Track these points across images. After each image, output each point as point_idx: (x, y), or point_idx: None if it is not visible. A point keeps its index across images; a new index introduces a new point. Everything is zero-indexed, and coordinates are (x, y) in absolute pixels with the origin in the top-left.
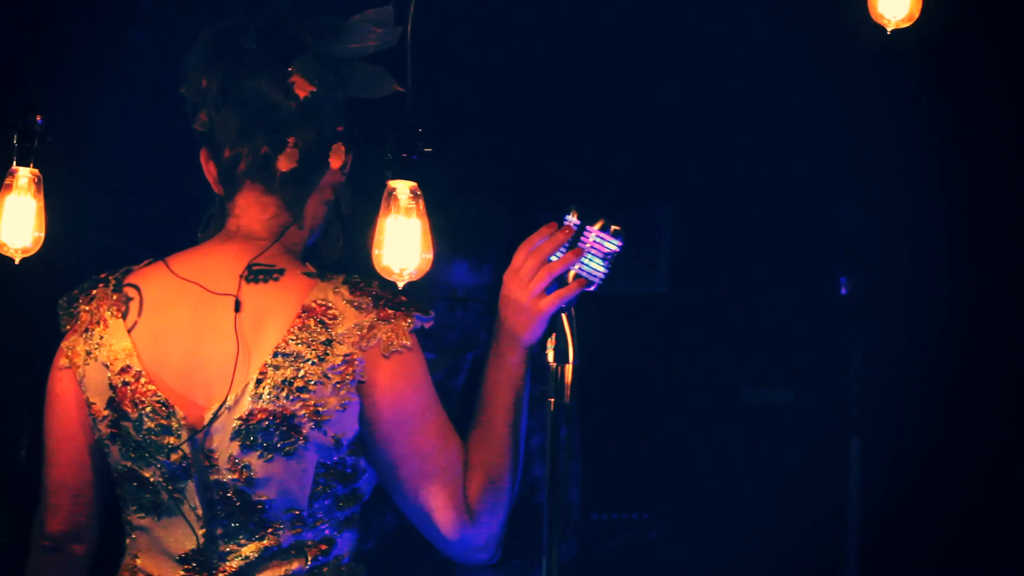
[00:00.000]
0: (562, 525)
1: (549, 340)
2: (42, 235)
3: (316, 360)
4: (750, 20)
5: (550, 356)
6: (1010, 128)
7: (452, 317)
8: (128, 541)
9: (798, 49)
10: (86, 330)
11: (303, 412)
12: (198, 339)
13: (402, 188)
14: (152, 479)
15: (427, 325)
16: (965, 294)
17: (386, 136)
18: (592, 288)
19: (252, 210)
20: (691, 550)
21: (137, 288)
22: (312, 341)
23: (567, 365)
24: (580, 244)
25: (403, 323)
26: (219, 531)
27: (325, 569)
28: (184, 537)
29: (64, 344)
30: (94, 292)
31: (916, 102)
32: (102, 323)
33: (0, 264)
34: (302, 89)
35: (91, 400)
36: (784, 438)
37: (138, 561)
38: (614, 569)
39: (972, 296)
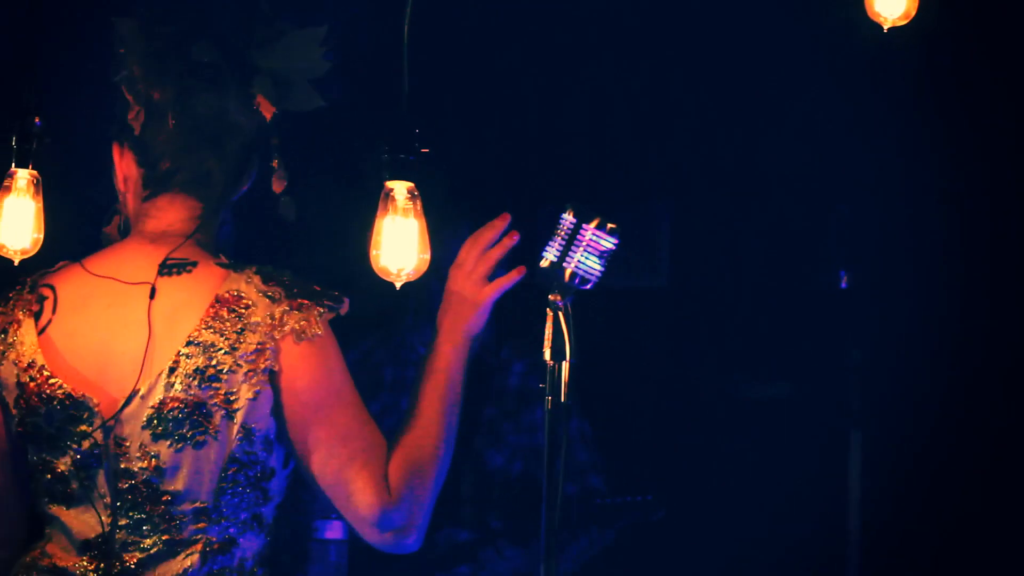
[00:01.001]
0: (575, 514)
1: (546, 338)
2: (41, 236)
3: (228, 349)
4: (748, 18)
5: (547, 354)
6: (1007, 123)
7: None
8: (40, 531)
9: (796, 46)
10: (2, 331)
11: (214, 401)
12: (112, 332)
13: (399, 189)
14: (63, 469)
15: (342, 311)
16: (964, 287)
17: (383, 137)
18: (589, 286)
19: (173, 212)
20: (692, 544)
21: (52, 287)
22: (224, 330)
23: (564, 363)
24: (576, 242)
25: (315, 312)
26: (123, 521)
27: (228, 571)
28: (90, 525)
29: None
30: (11, 295)
31: (914, 98)
32: (15, 323)
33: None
34: (267, 111)
35: (6, 399)
36: (783, 431)
37: (47, 548)
38: (617, 553)
39: (971, 289)
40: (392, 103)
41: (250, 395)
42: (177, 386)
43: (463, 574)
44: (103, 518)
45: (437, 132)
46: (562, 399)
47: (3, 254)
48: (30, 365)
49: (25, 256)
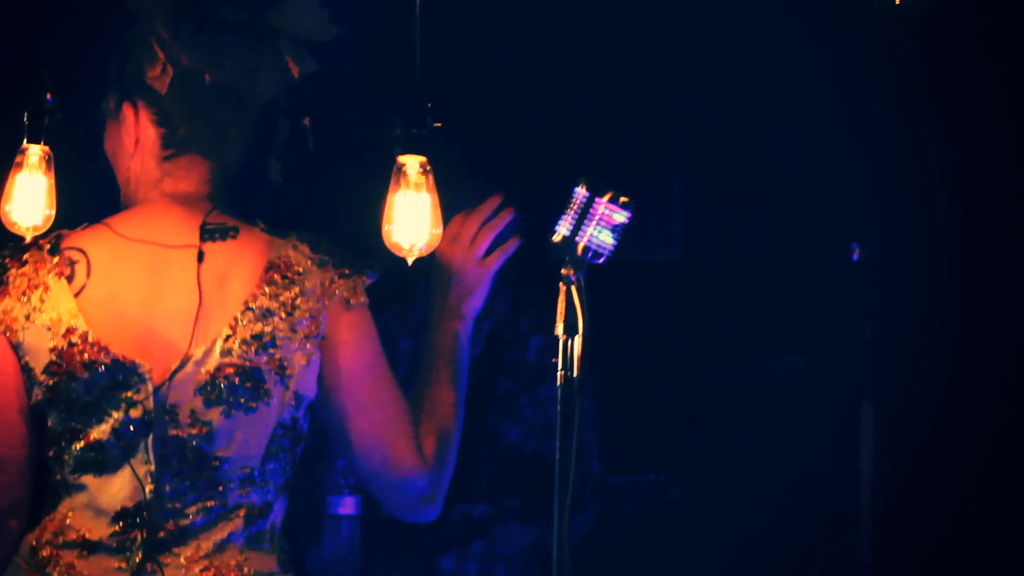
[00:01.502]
0: (580, 495)
1: (559, 312)
2: (53, 213)
3: (284, 315)
4: None
5: (559, 329)
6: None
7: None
8: (58, 502)
9: (810, 21)
10: (23, 294)
11: (269, 367)
12: (155, 296)
13: (412, 163)
14: (101, 436)
15: (374, 281)
16: (978, 260)
17: (395, 111)
18: (602, 260)
19: (195, 173)
20: (704, 516)
21: (82, 251)
22: (279, 295)
23: (576, 337)
24: (589, 216)
25: (360, 280)
26: (166, 488)
27: (260, 535)
28: (126, 494)
29: (0, 309)
30: (25, 256)
31: (930, 72)
32: (42, 287)
33: (10, 241)
34: (295, 70)
35: (30, 365)
36: (796, 405)
37: (68, 520)
38: (632, 532)
39: (985, 262)
40: (404, 77)
41: (303, 361)
42: (235, 351)
43: (476, 549)
44: (145, 487)
45: (449, 106)
46: (575, 374)
47: (15, 231)
48: (69, 330)
49: (37, 233)
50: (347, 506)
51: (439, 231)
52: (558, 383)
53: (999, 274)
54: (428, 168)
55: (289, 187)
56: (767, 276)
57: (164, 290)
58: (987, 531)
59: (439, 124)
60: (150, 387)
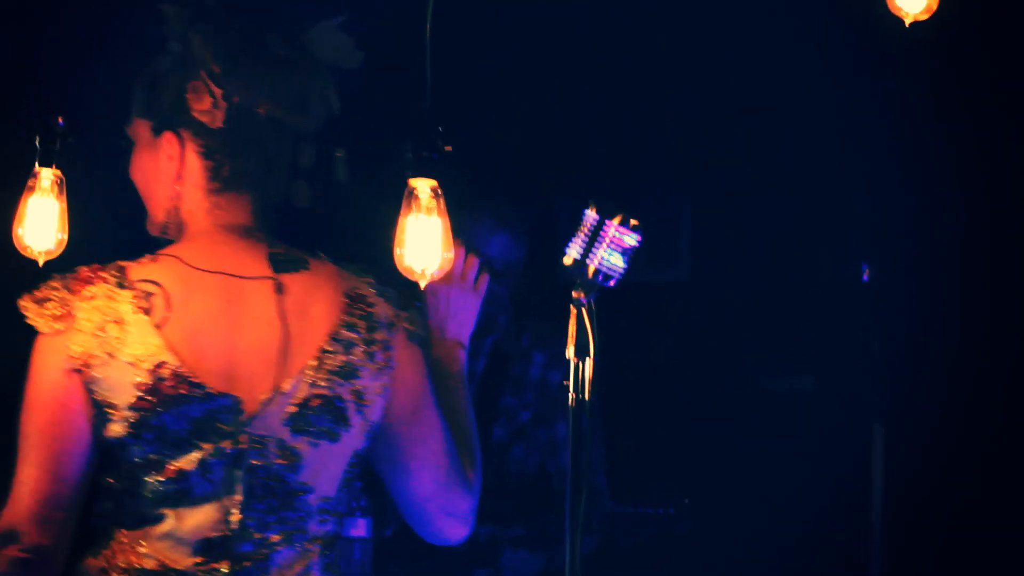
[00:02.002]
0: (591, 512)
1: (570, 335)
2: (65, 237)
3: (363, 346)
4: (769, 11)
5: (571, 351)
6: None
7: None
8: (121, 530)
9: (817, 40)
10: (100, 329)
11: (350, 397)
12: (236, 328)
13: (423, 187)
14: (186, 468)
15: None
16: (986, 278)
17: (406, 135)
18: (612, 283)
19: (241, 205)
20: (714, 536)
21: (156, 283)
22: (358, 327)
23: (587, 359)
24: (599, 239)
25: (417, 313)
26: (251, 520)
27: (333, 565)
28: (210, 524)
29: (61, 344)
30: (91, 289)
31: (935, 89)
32: (119, 321)
33: (23, 265)
34: (336, 104)
35: (109, 401)
36: (806, 425)
37: (142, 548)
38: (640, 549)
39: (993, 280)
40: (414, 100)
41: (379, 391)
42: (321, 382)
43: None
44: (231, 517)
45: (458, 128)
46: (586, 396)
47: (28, 255)
48: (159, 365)
49: (50, 257)
50: (359, 528)
51: (451, 254)
52: (570, 405)
53: (1006, 292)
54: (439, 191)
55: (305, 210)
56: (776, 296)
57: (244, 321)
58: (999, 550)
59: (450, 148)
60: (240, 418)
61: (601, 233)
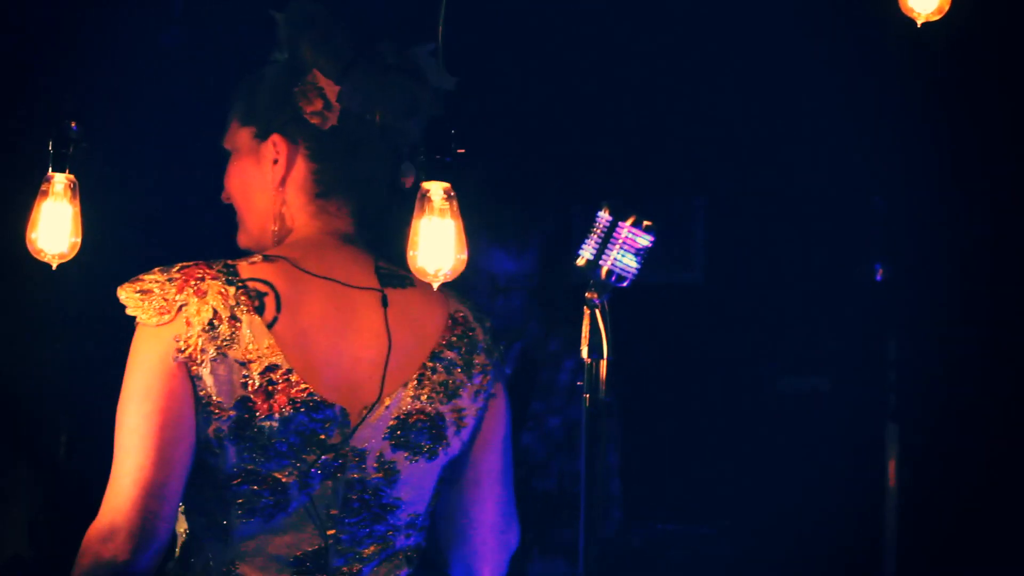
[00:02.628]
0: (605, 521)
1: (584, 336)
2: (78, 241)
3: (464, 366)
4: (782, 12)
5: (584, 352)
6: None
7: (492, 306)
8: (210, 546)
9: (830, 40)
10: (209, 325)
11: (451, 417)
12: (342, 336)
13: (436, 189)
14: (283, 478)
15: None
16: (1000, 279)
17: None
18: (625, 284)
19: (345, 213)
20: (727, 534)
21: (268, 283)
22: (460, 347)
23: (602, 360)
24: (612, 240)
25: (501, 346)
26: (344, 534)
27: None
28: (303, 538)
29: (168, 335)
30: (204, 286)
31: (949, 89)
32: (230, 319)
33: (37, 270)
34: (438, 112)
35: (215, 399)
36: (821, 425)
37: (237, 568)
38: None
39: (1007, 280)
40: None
41: (475, 414)
42: (424, 398)
43: None
44: (326, 532)
45: (472, 131)
46: (600, 396)
47: (41, 259)
48: (270, 368)
49: (63, 261)
50: None
51: (464, 256)
52: (585, 406)
53: (1021, 292)
54: (452, 194)
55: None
56: (790, 296)
57: (351, 331)
58: (1015, 551)
59: (463, 151)
60: (345, 430)
61: (614, 234)
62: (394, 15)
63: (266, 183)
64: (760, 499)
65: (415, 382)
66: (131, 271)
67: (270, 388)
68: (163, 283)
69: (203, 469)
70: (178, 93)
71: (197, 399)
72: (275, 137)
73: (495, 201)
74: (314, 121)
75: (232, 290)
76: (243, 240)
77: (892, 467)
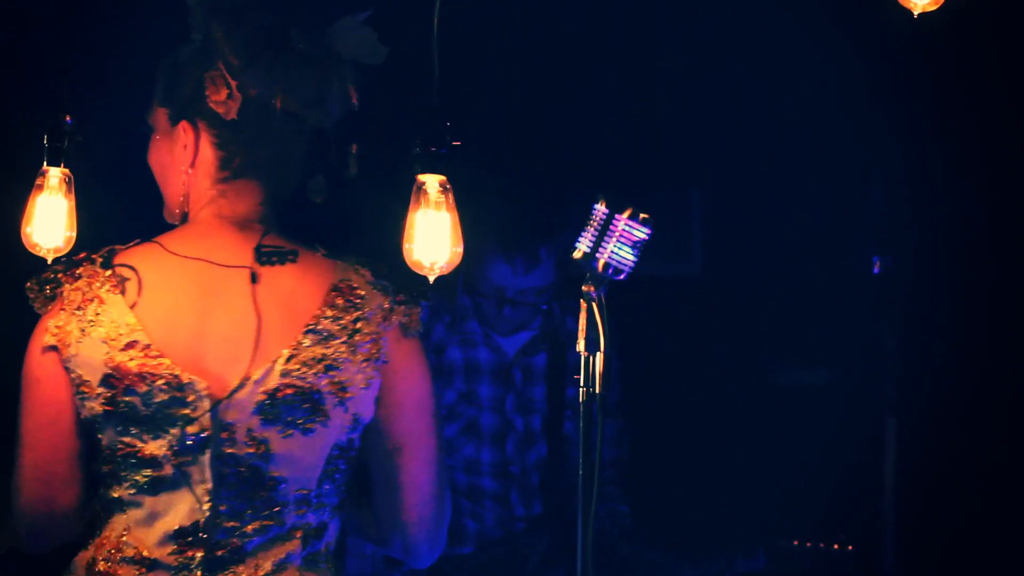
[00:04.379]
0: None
1: (580, 329)
2: (74, 234)
3: (345, 338)
4: (778, 4)
5: (581, 345)
6: None
7: (500, 315)
8: (112, 518)
9: (827, 32)
10: (78, 308)
11: (329, 389)
12: (208, 315)
13: (431, 182)
14: (157, 452)
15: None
16: (998, 271)
17: (414, 131)
18: (622, 276)
19: (249, 196)
20: (724, 527)
21: (132, 268)
22: (341, 319)
23: (598, 354)
24: (609, 232)
25: (416, 309)
26: (223, 507)
27: (316, 555)
28: (183, 512)
29: (48, 323)
30: (79, 271)
31: (946, 81)
32: (96, 300)
33: (32, 263)
34: (354, 100)
35: (84, 378)
36: (819, 418)
37: (125, 537)
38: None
39: (1006, 273)
40: (422, 96)
41: (363, 384)
42: (295, 372)
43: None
44: (203, 505)
45: (467, 123)
46: (597, 390)
47: (36, 252)
48: (130, 344)
49: (58, 254)
50: None
51: (459, 249)
52: (581, 400)
53: (1021, 284)
54: (448, 187)
55: (314, 204)
56: (788, 289)
57: (218, 310)
58: (1013, 545)
59: (458, 143)
60: (207, 404)
61: (611, 227)
62: (388, 11)
63: (178, 165)
64: (757, 491)
65: (286, 356)
66: None
67: (130, 363)
68: (58, 273)
69: (95, 447)
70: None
71: (75, 381)
72: (184, 124)
73: (508, 212)
74: (218, 110)
75: (104, 273)
76: (166, 215)
77: (891, 460)
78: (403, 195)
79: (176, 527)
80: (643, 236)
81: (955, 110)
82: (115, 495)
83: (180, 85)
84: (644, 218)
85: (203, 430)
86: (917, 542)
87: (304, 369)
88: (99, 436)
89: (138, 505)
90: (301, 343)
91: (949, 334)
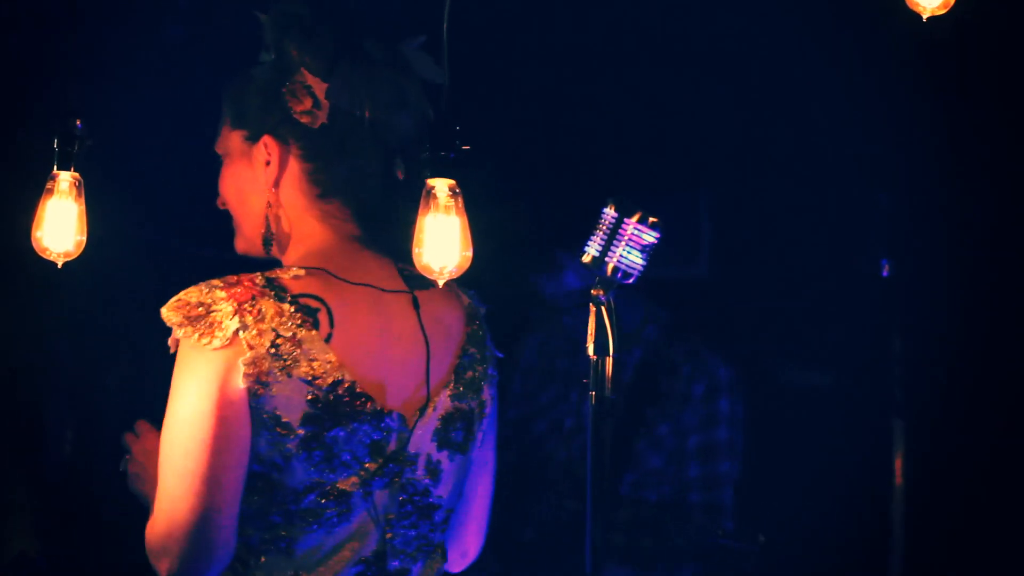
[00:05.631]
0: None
1: (589, 333)
2: (84, 239)
3: (481, 359)
4: (787, 7)
5: (590, 349)
6: None
7: (561, 323)
8: (274, 559)
9: (835, 35)
10: (273, 346)
11: (476, 410)
12: (386, 343)
13: (441, 186)
14: (348, 488)
15: None
16: (1006, 274)
17: (424, 134)
18: (631, 280)
19: (349, 214)
20: (733, 531)
21: (319, 299)
22: (478, 343)
23: (608, 358)
24: (618, 237)
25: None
26: (399, 537)
27: (442, 567)
28: (364, 545)
29: (231, 358)
30: (258, 306)
31: (954, 84)
32: (291, 338)
33: (43, 268)
34: (430, 112)
35: (283, 419)
36: (826, 421)
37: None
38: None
39: (1013, 276)
40: (432, 100)
41: (491, 404)
42: (457, 396)
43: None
44: (384, 534)
45: (476, 128)
46: (606, 394)
47: (47, 257)
48: (335, 383)
49: (68, 259)
50: None
51: (469, 253)
52: (591, 404)
53: None
54: (457, 191)
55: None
56: (795, 291)
57: (392, 337)
58: (1021, 545)
59: (467, 147)
60: (403, 435)
61: (620, 231)
62: (397, 12)
63: (260, 186)
64: (764, 494)
65: (452, 380)
66: (136, 269)
67: (336, 403)
68: (213, 303)
69: (266, 485)
70: (184, 89)
71: (259, 421)
72: (266, 138)
73: (497, 200)
74: (304, 120)
75: (288, 308)
76: (240, 245)
77: (898, 463)
78: (405, 200)
79: (358, 560)
80: (652, 240)
81: (963, 113)
82: (284, 534)
83: (257, 104)
84: (653, 222)
85: (395, 460)
86: (925, 543)
87: (463, 390)
88: (279, 475)
89: (314, 544)
90: (459, 366)
91: (956, 337)
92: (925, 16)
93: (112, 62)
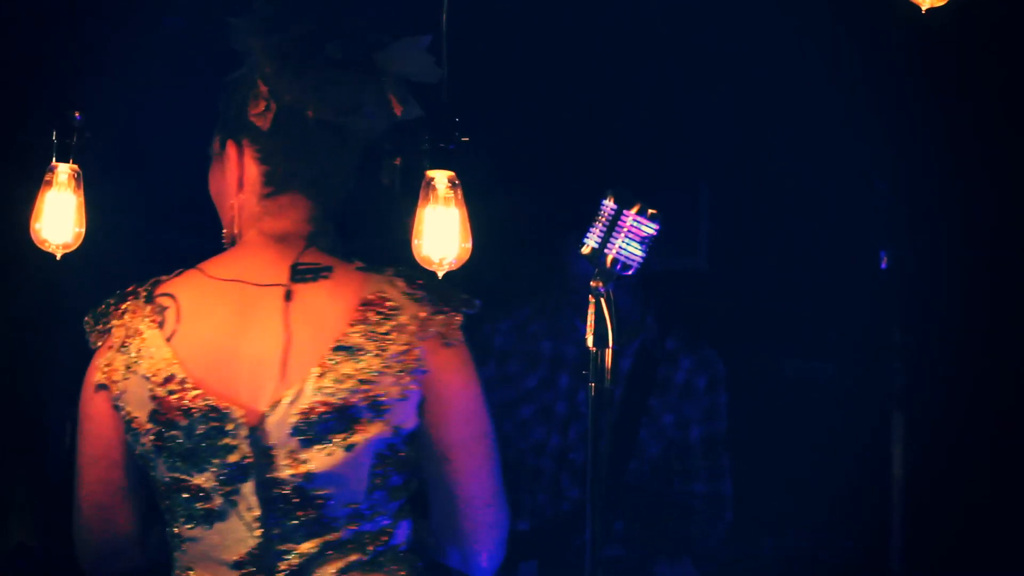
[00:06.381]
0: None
1: (589, 325)
2: (83, 231)
3: (376, 351)
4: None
5: (590, 341)
6: None
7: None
8: (176, 555)
9: (834, 25)
10: (123, 345)
11: (363, 403)
12: (243, 338)
13: (440, 178)
14: (205, 484)
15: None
16: (1005, 266)
17: (423, 127)
18: (631, 272)
19: (294, 212)
20: (732, 521)
21: (172, 296)
22: (373, 333)
23: (607, 349)
24: (617, 228)
25: (455, 318)
26: (276, 531)
27: (382, 559)
28: (238, 542)
29: (98, 361)
30: (124, 306)
31: (953, 75)
32: (138, 335)
33: (41, 260)
34: (396, 112)
35: (132, 415)
36: (826, 412)
37: (191, 574)
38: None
39: (1012, 267)
40: (432, 92)
41: (400, 396)
42: (326, 390)
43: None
44: (254, 532)
45: (476, 120)
46: (605, 385)
47: (45, 248)
48: (168, 379)
49: (67, 250)
50: None
51: (468, 244)
52: (590, 395)
53: None
54: (457, 182)
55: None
56: (794, 283)
57: (252, 331)
58: (1020, 538)
59: (467, 139)
60: (245, 431)
61: (619, 222)
62: (399, 7)
63: (229, 187)
64: (764, 485)
65: (317, 374)
66: (135, 261)
67: (170, 398)
68: (109, 306)
69: (150, 483)
70: (182, 81)
71: (121, 419)
72: (229, 143)
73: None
74: (257, 123)
75: (147, 307)
76: (224, 240)
77: (897, 454)
78: (411, 191)
79: (234, 558)
80: (651, 232)
81: (963, 105)
82: (176, 531)
83: (228, 108)
84: (652, 214)
85: (244, 457)
86: (924, 535)
87: (336, 386)
88: (152, 473)
89: (196, 540)
90: (331, 359)
91: (956, 328)
92: (925, 7)
93: (111, 54)
